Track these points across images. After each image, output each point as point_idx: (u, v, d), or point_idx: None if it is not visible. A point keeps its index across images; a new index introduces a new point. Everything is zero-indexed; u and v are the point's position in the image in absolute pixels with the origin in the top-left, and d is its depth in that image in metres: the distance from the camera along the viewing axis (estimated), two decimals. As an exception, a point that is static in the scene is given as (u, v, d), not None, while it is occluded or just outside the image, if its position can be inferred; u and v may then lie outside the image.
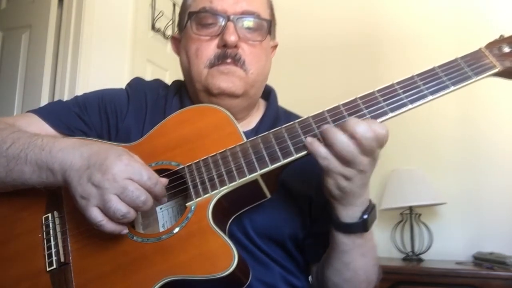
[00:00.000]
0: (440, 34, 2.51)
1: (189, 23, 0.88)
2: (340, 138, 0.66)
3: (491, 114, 2.38)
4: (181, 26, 0.94)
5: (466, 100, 2.35)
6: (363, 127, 0.66)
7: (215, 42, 0.86)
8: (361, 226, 0.74)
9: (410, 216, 2.36)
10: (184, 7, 0.93)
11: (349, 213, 0.73)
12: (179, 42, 0.96)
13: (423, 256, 2.29)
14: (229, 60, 0.85)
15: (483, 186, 2.34)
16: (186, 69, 0.91)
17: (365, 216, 0.73)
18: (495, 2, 2.45)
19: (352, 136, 0.66)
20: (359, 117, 0.72)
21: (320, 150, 0.68)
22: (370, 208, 0.74)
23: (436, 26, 2.55)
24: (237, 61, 0.85)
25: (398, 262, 2.23)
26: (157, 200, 0.71)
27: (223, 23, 0.85)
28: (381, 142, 0.68)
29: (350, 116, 0.72)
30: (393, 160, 2.39)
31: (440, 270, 2.00)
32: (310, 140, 0.70)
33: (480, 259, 2.13)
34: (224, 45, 0.84)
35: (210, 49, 0.86)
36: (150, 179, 0.68)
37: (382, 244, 2.43)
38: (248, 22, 0.87)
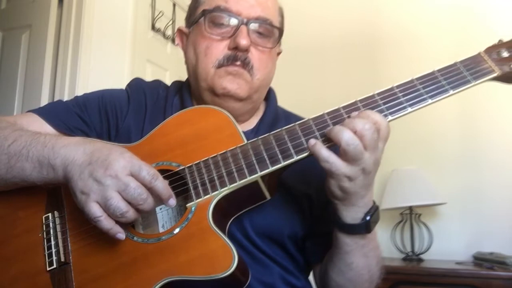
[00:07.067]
0: (439, 34, 2.51)
1: (202, 20, 0.87)
2: (346, 135, 0.66)
3: (491, 113, 2.38)
4: (191, 21, 0.93)
5: (465, 100, 2.35)
6: (361, 121, 0.67)
7: (226, 42, 0.85)
8: (364, 227, 0.74)
9: (410, 216, 2.36)
10: (196, 1, 0.92)
11: (352, 214, 0.73)
12: (186, 36, 0.95)
13: (423, 256, 2.29)
14: (238, 63, 0.85)
15: (483, 186, 2.34)
16: (192, 65, 0.90)
17: (368, 218, 0.73)
18: (494, 3, 2.45)
19: (354, 131, 0.66)
20: None
21: (322, 152, 0.68)
22: (373, 209, 0.74)
23: (436, 27, 2.55)
24: (246, 65, 0.85)
25: (398, 262, 2.23)
26: (161, 199, 0.70)
27: (236, 25, 0.85)
28: (382, 133, 0.68)
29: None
30: (393, 160, 2.38)
31: (440, 270, 2.00)
32: (312, 142, 0.70)
33: (480, 259, 2.13)
34: (235, 48, 0.84)
35: (220, 49, 0.85)
36: (149, 174, 0.68)
37: (382, 244, 2.39)
38: (261, 28, 0.87)
